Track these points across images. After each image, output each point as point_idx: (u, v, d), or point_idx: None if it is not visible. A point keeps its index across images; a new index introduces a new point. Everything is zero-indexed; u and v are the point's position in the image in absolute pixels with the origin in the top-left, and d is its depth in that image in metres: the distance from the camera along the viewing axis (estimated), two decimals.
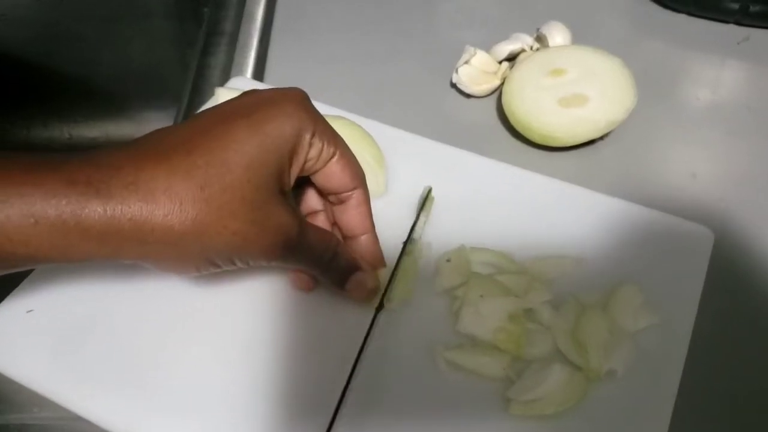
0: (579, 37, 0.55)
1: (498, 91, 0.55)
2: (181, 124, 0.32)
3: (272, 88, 0.34)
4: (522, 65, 0.51)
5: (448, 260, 0.39)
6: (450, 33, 0.62)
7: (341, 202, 0.37)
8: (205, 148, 0.30)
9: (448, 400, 0.34)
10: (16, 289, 0.38)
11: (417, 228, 0.40)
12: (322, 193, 0.37)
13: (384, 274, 0.38)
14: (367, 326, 0.36)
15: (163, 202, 0.28)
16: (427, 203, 0.41)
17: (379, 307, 0.36)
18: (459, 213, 0.42)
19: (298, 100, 0.33)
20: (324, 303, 0.38)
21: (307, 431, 0.33)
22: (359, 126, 0.43)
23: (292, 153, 0.32)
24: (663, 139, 0.52)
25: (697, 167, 0.50)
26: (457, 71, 0.54)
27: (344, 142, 0.35)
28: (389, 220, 0.40)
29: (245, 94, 0.34)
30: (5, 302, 0.37)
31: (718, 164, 0.50)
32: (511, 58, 0.56)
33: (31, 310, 0.37)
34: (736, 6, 0.59)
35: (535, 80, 0.50)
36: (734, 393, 0.38)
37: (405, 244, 0.39)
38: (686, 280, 0.38)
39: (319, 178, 0.35)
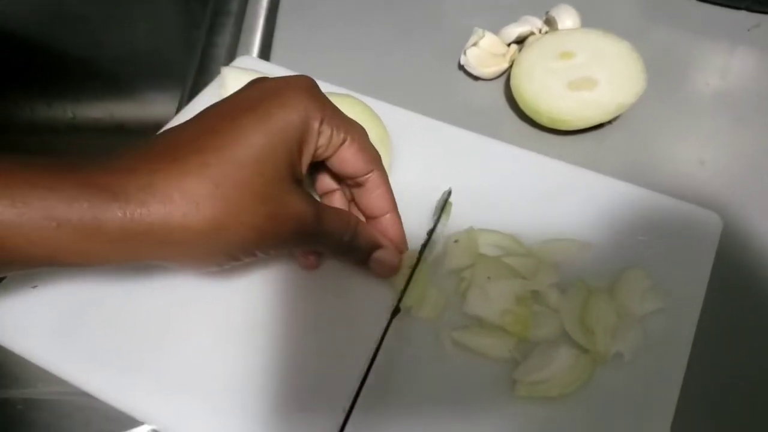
0: (588, 21, 0.54)
1: (506, 74, 0.54)
2: (188, 123, 0.32)
3: (278, 77, 0.33)
4: (531, 48, 0.51)
5: (456, 241, 0.38)
6: (459, 14, 0.61)
7: (359, 185, 0.36)
8: (214, 146, 0.30)
9: (453, 380, 0.34)
10: None
11: (435, 233, 0.39)
12: (339, 177, 0.37)
13: (399, 279, 0.37)
14: (376, 305, 0.36)
15: (179, 204, 0.28)
16: (447, 207, 0.40)
17: (395, 311, 0.35)
18: (467, 195, 0.41)
19: (304, 88, 0.33)
20: (332, 284, 0.38)
21: (312, 413, 0.33)
22: (366, 105, 0.43)
23: (301, 142, 0.32)
24: (672, 124, 0.51)
25: (706, 153, 0.49)
26: (465, 53, 0.53)
27: (358, 126, 0.35)
28: None
29: (251, 84, 0.33)
30: (11, 277, 0.37)
31: (726, 151, 0.50)
32: (520, 41, 0.55)
33: (35, 286, 0.37)
34: None
35: (544, 63, 0.49)
36: (741, 377, 0.38)
37: (422, 248, 0.38)
38: (694, 265, 0.38)
39: (333, 164, 0.35)
